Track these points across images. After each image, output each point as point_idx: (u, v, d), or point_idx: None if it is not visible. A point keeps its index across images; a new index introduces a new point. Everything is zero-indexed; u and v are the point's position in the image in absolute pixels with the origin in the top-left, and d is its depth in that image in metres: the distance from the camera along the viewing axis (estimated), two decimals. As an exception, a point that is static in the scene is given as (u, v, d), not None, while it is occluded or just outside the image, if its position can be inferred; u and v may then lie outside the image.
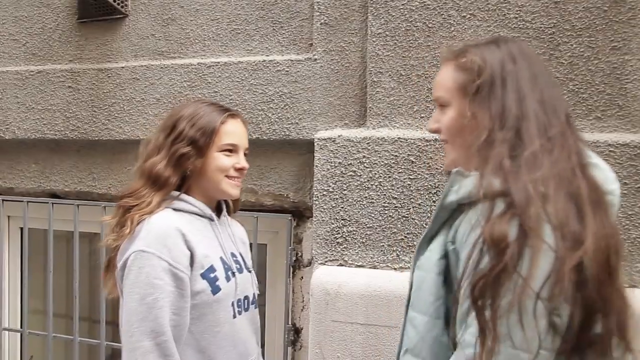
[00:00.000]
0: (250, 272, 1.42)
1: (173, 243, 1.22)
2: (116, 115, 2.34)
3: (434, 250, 0.97)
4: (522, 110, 0.92)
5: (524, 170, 0.88)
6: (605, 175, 0.96)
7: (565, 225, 0.84)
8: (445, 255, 0.94)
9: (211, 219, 1.35)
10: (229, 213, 1.46)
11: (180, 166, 1.29)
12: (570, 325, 0.83)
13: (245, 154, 1.38)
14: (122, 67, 2.33)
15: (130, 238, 1.25)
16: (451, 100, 1.01)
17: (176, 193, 1.31)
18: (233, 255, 1.37)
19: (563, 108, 0.96)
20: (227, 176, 1.33)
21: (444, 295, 0.95)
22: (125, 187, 1.34)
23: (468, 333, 0.86)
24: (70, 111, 2.41)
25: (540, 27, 1.78)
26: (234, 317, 1.32)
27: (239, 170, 1.35)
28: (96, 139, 2.37)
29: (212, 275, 1.27)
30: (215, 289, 1.27)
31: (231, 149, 1.33)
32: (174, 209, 1.30)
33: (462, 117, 0.98)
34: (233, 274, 1.33)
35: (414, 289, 1.00)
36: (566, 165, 0.89)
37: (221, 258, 1.32)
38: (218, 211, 1.42)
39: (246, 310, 1.37)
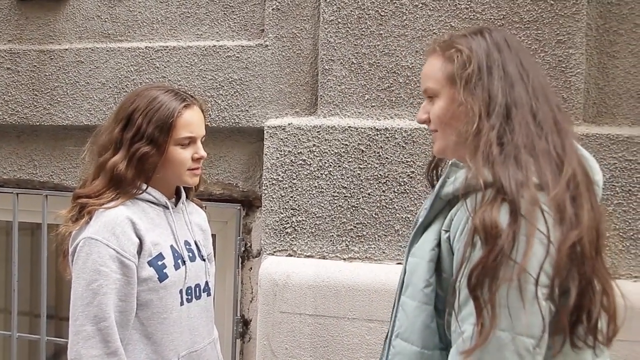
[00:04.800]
0: (204, 260, 1.42)
1: (121, 231, 1.25)
2: (59, 99, 2.24)
3: (428, 238, 0.99)
4: (511, 97, 0.94)
5: (514, 157, 0.89)
6: (590, 165, 0.98)
7: (563, 209, 0.86)
8: (439, 244, 0.96)
9: (166, 207, 1.36)
10: (188, 196, 1.47)
11: (142, 166, 1.30)
12: (567, 304, 0.86)
13: (202, 140, 1.38)
14: (66, 49, 2.22)
15: (83, 226, 1.28)
16: (440, 90, 1.02)
17: (143, 186, 1.32)
18: (187, 243, 1.38)
19: (553, 96, 0.99)
20: (187, 169, 1.34)
21: (434, 283, 0.97)
22: (88, 188, 1.31)
23: (468, 323, 0.87)
24: (9, 94, 2.28)
25: (490, 19, 1.80)
26: (182, 304, 1.33)
27: (198, 159, 1.36)
28: (37, 124, 2.26)
29: (159, 262, 1.29)
30: (163, 277, 1.29)
31: (188, 141, 1.33)
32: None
33: (451, 106, 1.00)
34: (183, 262, 1.34)
35: (407, 275, 1.03)
36: (561, 150, 0.91)
37: (172, 246, 1.33)
38: (177, 196, 1.42)
39: (198, 298, 1.38)
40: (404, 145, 1.82)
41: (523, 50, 1.02)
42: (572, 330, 0.89)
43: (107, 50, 2.18)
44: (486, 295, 0.84)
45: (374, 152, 1.84)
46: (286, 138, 1.89)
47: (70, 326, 1.24)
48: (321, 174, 1.87)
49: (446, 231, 0.95)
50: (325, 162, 1.87)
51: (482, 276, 0.84)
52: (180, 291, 1.33)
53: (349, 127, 1.86)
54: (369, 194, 1.84)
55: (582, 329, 0.89)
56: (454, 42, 1.02)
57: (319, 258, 1.87)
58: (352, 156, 1.85)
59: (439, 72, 1.02)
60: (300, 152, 1.88)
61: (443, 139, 1.04)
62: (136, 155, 1.28)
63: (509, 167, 0.88)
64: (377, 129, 1.84)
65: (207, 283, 1.42)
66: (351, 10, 1.89)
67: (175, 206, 1.40)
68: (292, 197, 1.89)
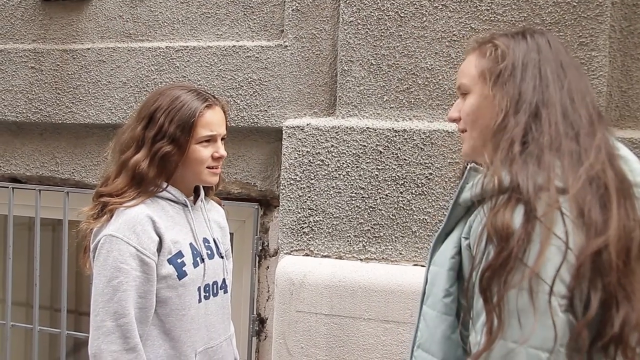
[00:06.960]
0: (222, 257, 1.44)
1: (142, 229, 1.26)
2: (81, 98, 2.27)
3: (449, 246, 0.96)
4: (544, 97, 0.90)
5: (537, 156, 0.85)
6: (632, 167, 0.93)
7: (585, 214, 0.81)
8: (459, 252, 0.93)
9: (185, 205, 1.37)
10: (207, 194, 1.48)
11: (164, 165, 1.31)
12: (590, 317, 0.80)
13: (223, 139, 1.39)
14: (88, 49, 2.26)
15: (104, 223, 1.30)
16: (473, 86, 0.99)
17: (164, 184, 1.34)
18: (206, 240, 1.39)
19: (592, 100, 0.94)
20: (207, 167, 1.35)
21: (455, 292, 0.93)
22: (110, 187, 1.32)
23: (483, 333, 0.83)
24: (33, 93, 2.33)
25: (511, 20, 1.78)
26: (199, 301, 1.35)
27: (218, 158, 1.36)
28: (60, 122, 2.30)
29: (179, 260, 1.31)
30: (182, 274, 1.31)
31: (209, 139, 1.34)
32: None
33: (482, 102, 0.97)
34: (202, 259, 1.36)
35: (429, 284, 1.00)
36: (593, 153, 0.86)
37: (191, 244, 1.35)
38: (196, 194, 1.44)
39: (215, 295, 1.40)
40: (422, 146, 1.82)
41: (565, 53, 0.97)
42: (595, 347, 0.82)
43: (129, 50, 2.20)
44: (495, 299, 0.81)
45: (392, 153, 1.84)
46: (304, 138, 1.90)
47: (91, 321, 1.26)
48: (339, 174, 1.88)
49: (466, 238, 0.92)
50: (343, 163, 1.87)
51: (491, 279, 0.81)
52: (199, 288, 1.35)
53: (367, 128, 1.86)
54: (386, 195, 1.84)
55: (611, 347, 0.82)
56: (492, 39, 0.99)
57: (336, 258, 1.87)
58: (370, 157, 1.85)
59: (473, 68, 0.99)
60: (319, 153, 1.89)
61: (471, 139, 1.00)
62: (158, 154, 1.30)
63: (529, 166, 0.84)
64: (395, 130, 1.84)
65: (224, 280, 1.44)
66: (371, 12, 1.88)
67: (194, 204, 1.41)
68: (309, 197, 1.90)
